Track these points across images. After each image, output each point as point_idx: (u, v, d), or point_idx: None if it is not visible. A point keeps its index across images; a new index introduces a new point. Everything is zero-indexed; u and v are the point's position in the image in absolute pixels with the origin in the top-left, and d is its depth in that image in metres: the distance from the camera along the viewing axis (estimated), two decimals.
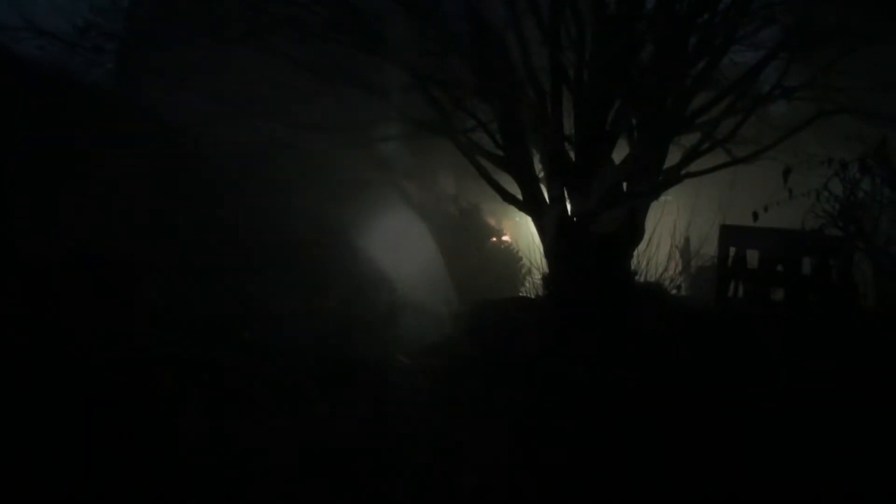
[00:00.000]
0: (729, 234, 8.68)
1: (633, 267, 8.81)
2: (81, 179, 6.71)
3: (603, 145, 8.50)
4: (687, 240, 9.85)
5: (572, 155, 8.67)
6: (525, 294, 9.77)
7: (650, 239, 9.20)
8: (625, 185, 8.60)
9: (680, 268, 9.24)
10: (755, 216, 7.79)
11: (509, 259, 10.91)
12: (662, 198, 9.49)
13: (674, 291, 9.28)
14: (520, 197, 8.81)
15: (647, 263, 9.06)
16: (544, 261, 8.91)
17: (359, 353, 6.09)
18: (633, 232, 8.57)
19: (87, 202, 6.56)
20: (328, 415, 4.47)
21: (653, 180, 8.71)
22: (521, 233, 10.89)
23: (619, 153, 8.70)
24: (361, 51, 8.31)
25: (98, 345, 4.99)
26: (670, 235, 9.66)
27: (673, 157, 9.13)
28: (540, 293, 8.98)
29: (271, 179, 9.19)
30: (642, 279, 8.91)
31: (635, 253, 8.81)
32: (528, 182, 8.65)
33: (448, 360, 6.23)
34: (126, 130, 7.87)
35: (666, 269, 9.25)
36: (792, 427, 4.52)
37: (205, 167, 8.73)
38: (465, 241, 10.81)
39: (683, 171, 9.17)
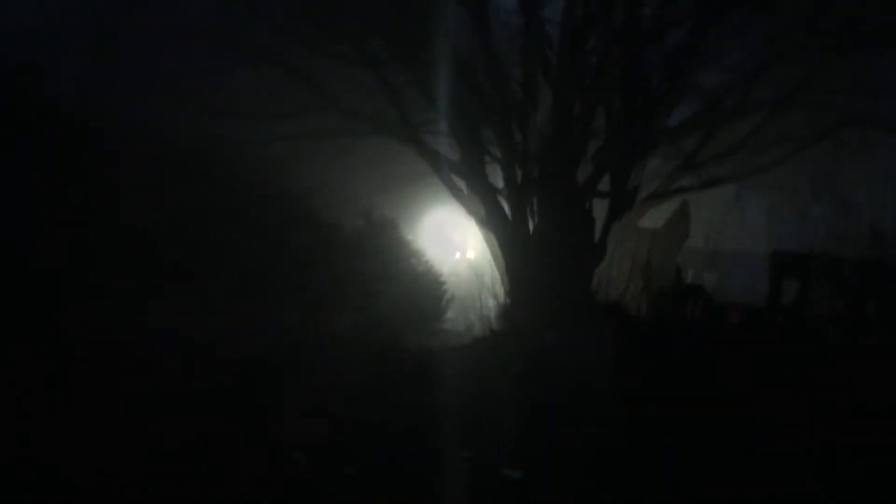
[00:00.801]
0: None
1: (593, 286, 8.80)
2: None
3: (567, 163, 8.53)
4: (648, 261, 9.89)
5: (535, 172, 8.70)
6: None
7: (612, 259, 9.20)
8: (588, 203, 8.63)
9: (640, 288, 9.26)
10: (706, 239, 7.88)
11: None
12: (624, 220, 9.53)
13: (633, 313, 9.26)
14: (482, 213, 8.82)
15: (608, 284, 9.06)
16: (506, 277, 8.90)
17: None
18: (594, 252, 8.58)
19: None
20: None
21: (615, 200, 8.75)
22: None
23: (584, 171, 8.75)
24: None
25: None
26: (630, 256, 9.69)
27: (638, 178, 9.19)
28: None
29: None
30: (603, 298, 8.89)
31: (595, 272, 8.82)
32: (488, 197, 8.65)
33: None
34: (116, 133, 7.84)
35: (627, 289, 9.26)
36: None
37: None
38: None
39: (645, 195, 9.27)
